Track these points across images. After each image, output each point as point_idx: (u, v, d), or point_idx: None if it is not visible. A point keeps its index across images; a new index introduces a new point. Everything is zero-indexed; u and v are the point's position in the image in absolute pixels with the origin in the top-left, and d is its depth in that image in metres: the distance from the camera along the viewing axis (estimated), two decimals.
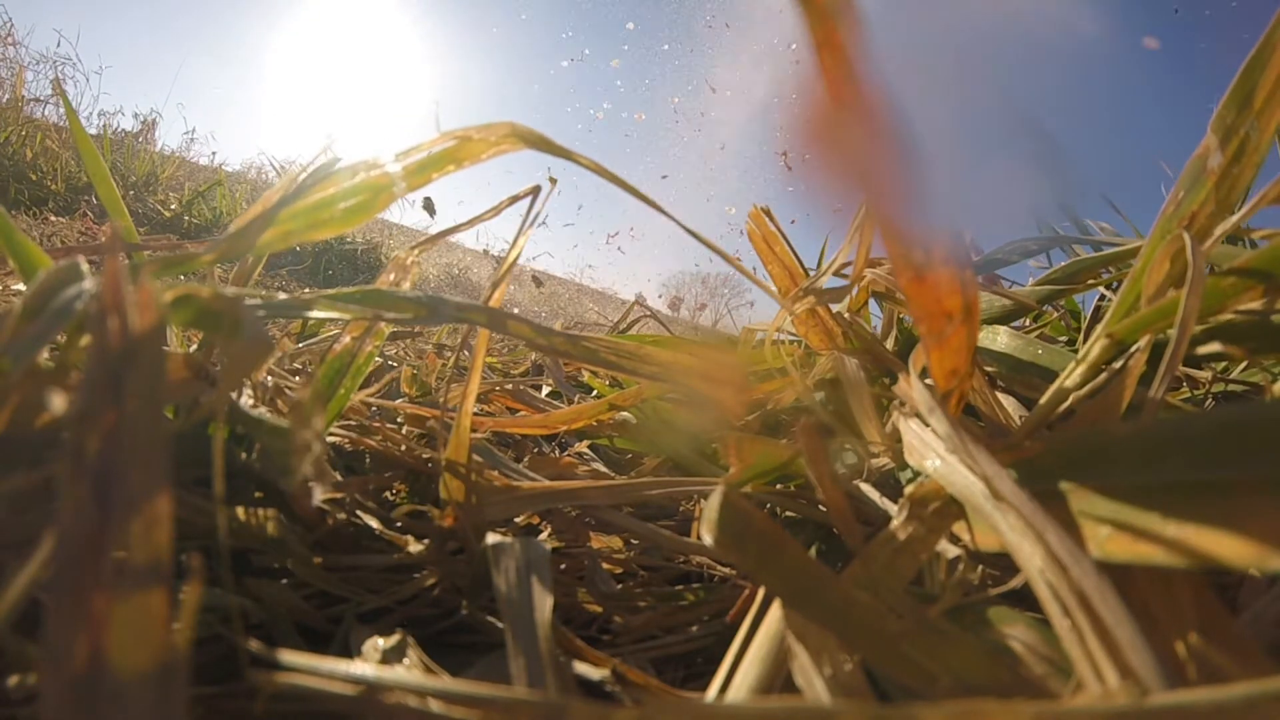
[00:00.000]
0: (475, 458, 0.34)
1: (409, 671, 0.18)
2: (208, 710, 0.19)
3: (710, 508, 0.20)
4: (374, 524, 0.29)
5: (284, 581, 0.26)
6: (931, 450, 0.22)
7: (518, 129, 0.27)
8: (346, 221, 0.28)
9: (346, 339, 0.34)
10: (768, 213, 0.50)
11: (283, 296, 0.26)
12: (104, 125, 3.43)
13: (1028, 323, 0.64)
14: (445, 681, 0.15)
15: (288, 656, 0.18)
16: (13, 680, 0.17)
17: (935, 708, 0.11)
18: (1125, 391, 0.24)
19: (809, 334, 0.44)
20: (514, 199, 0.34)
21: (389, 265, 0.38)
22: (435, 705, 0.15)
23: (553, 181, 0.33)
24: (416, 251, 0.37)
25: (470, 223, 0.38)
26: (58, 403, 0.19)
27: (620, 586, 0.31)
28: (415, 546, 0.29)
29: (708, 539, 0.19)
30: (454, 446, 0.29)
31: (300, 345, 0.61)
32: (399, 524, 0.31)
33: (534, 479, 0.35)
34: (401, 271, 0.37)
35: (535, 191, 0.33)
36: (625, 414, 0.46)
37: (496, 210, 0.35)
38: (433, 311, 0.28)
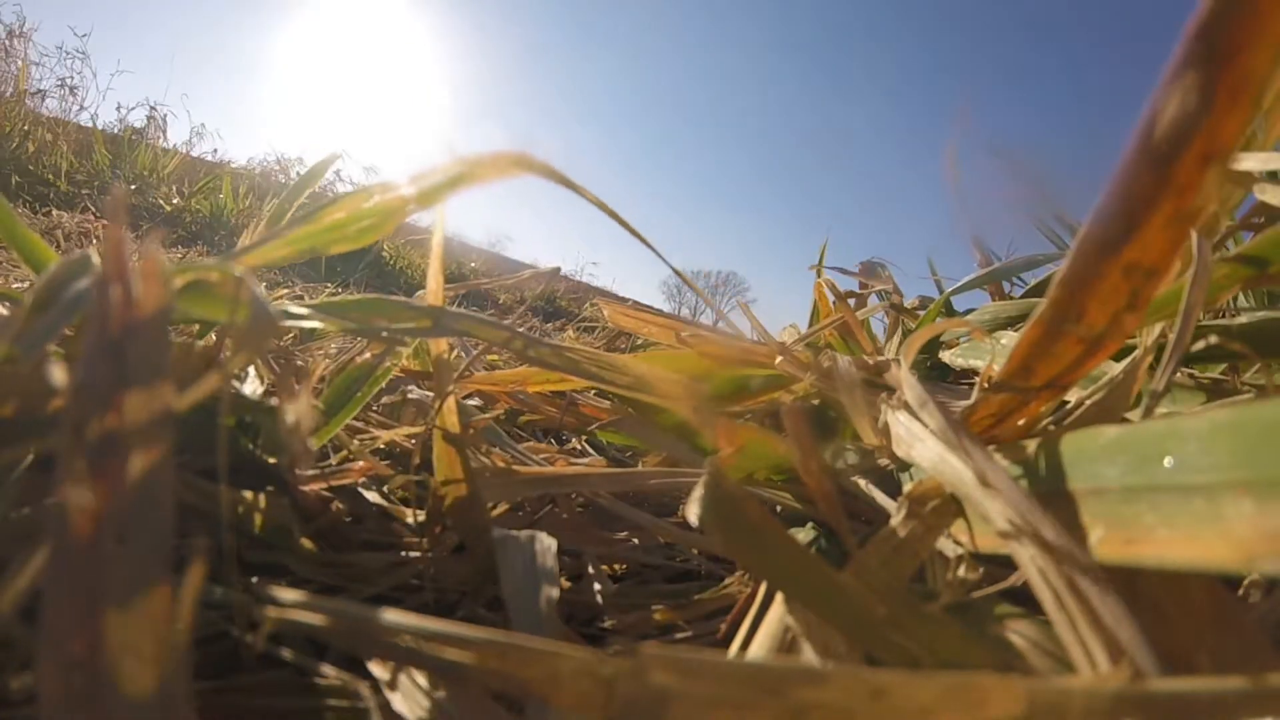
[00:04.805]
0: (474, 448, 0.35)
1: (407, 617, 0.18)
2: (206, 705, 0.19)
3: (697, 488, 0.20)
4: (375, 498, 0.30)
5: (284, 580, 0.26)
6: (919, 440, 0.23)
7: (525, 159, 0.28)
8: (358, 240, 0.30)
9: (367, 355, 0.35)
10: (608, 304, 0.57)
11: (283, 294, 0.26)
12: (104, 117, 3.43)
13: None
14: (443, 624, 0.16)
15: (288, 595, 0.18)
16: (14, 682, 0.17)
17: (932, 680, 0.12)
18: (1134, 385, 0.24)
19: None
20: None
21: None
22: (432, 648, 0.15)
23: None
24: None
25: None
26: (58, 375, 0.19)
27: (620, 584, 0.31)
28: (414, 541, 0.29)
29: (693, 519, 0.19)
30: (445, 415, 0.29)
31: (300, 346, 0.61)
32: (397, 523, 0.31)
33: (535, 461, 0.36)
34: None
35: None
36: (629, 410, 0.46)
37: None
38: (435, 323, 0.29)
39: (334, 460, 0.35)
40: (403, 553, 0.29)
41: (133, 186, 2.88)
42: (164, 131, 3.61)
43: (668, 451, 0.41)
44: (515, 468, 0.34)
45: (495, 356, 0.90)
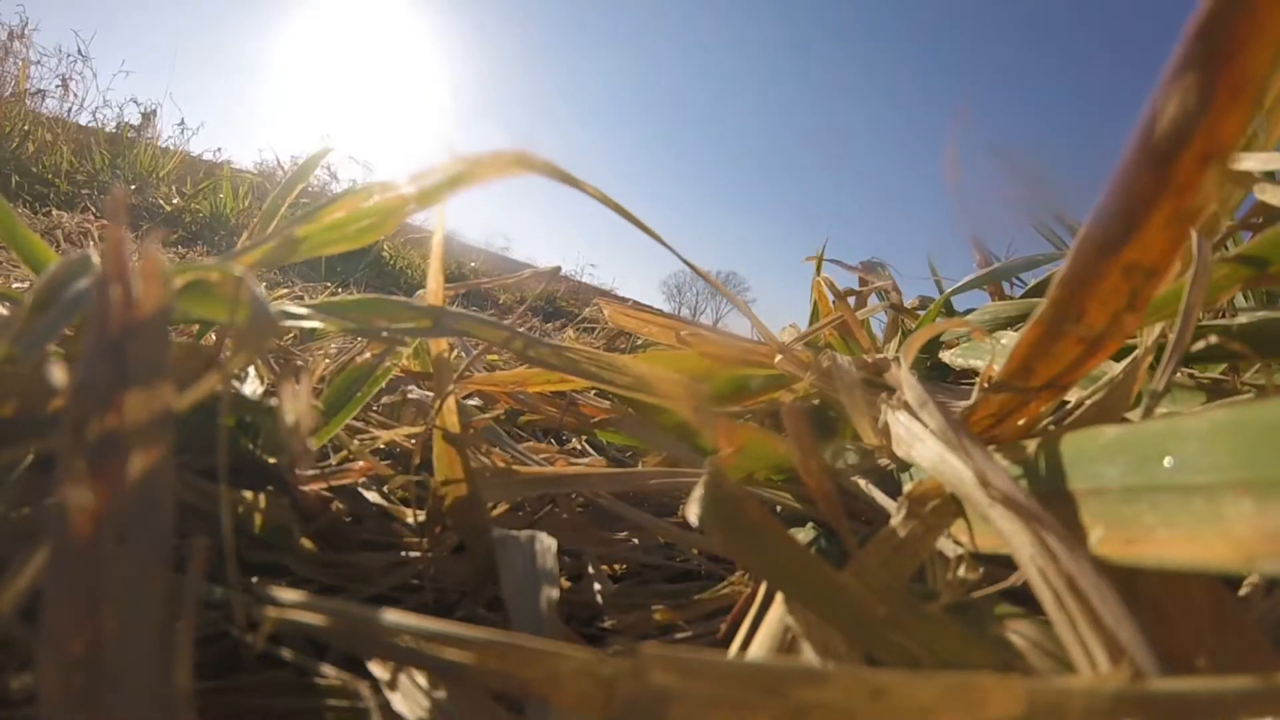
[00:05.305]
0: (474, 447, 0.35)
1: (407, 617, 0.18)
2: (206, 705, 0.19)
3: (697, 488, 0.20)
4: (375, 498, 0.30)
5: (284, 580, 0.26)
6: (919, 440, 0.23)
7: (525, 157, 0.28)
8: (358, 240, 0.30)
9: (367, 355, 0.35)
10: (608, 303, 0.57)
11: (283, 294, 0.26)
12: (102, 118, 3.44)
13: None
14: (443, 624, 0.16)
15: (288, 595, 0.18)
16: (14, 682, 0.17)
17: (932, 680, 0.12)
18: (1134, 385, 0.24)
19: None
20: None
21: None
22: (432, 648, 0.15)
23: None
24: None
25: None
26: (58, 375, 0.19)
27: (620, 584, 0.31)
28: (414, 541, 0.29)
29: (693, 519, 0.19)
30: (445, 415, 0.29)
31: (300, 345, 0.61)
32: (397, 523, 0.31)
33: (535, 462, 0.36)
34: None
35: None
36: (629, 409, 0.46)
37: None
38: (435, 323, 0.29)
39: (334, 460, 0.35)
40: (403, 553, 0.29)
41: (132, 186, 2.88)
42: (156, 127, 3.61)
43: (668, 451, 0.41)
44: (515, 468, 0.34)
45: (495, 356, 0.90)
